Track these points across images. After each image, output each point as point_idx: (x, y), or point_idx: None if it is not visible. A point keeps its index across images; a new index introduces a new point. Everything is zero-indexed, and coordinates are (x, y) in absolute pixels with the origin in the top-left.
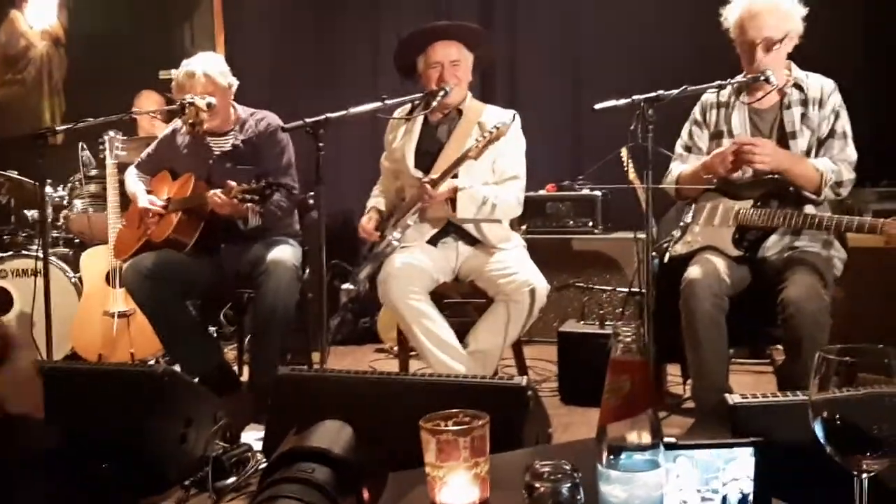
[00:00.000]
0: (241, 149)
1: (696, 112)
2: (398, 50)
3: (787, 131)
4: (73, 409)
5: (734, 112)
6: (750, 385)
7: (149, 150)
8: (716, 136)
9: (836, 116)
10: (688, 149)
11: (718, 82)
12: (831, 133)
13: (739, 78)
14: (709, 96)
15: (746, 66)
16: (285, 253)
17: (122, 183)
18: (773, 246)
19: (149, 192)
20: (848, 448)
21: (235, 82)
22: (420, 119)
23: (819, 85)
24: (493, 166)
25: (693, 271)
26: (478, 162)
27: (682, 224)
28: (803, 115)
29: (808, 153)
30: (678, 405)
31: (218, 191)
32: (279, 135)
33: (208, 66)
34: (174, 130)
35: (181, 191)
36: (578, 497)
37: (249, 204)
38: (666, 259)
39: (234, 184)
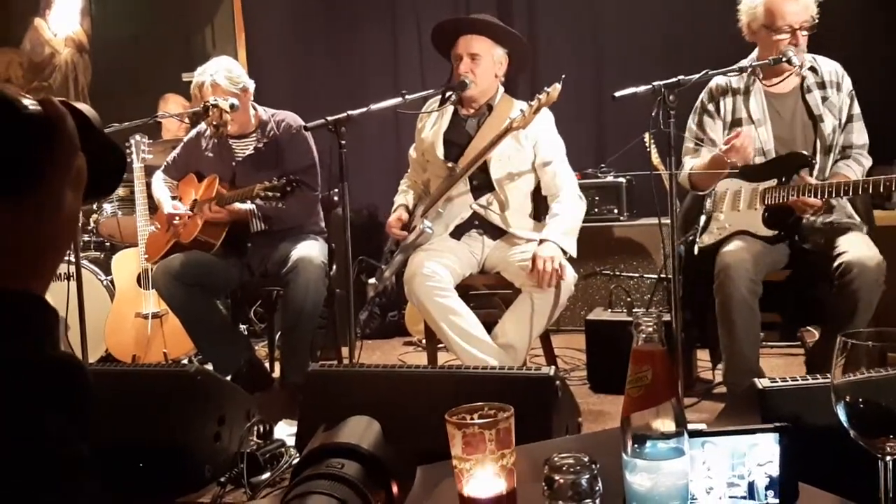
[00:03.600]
0: (264, 151)
1: (706, 101)
2: (432, 39)
3: (814, 114)
4: (109, 410)
5: (752, 98)
6: (780, 368)
7: (174, 153)
8: (735, 124)
9: (852, 99)
10: (700, 140)
11: (739, 65)
12: (850, 118)
13: (757, 60)
14: (718, 84)
15: (773, 51)
16: (312, 250)
17: (149, 186)
18: (808, 225)
19: (174, 197)
20: (871, 431)
21: (251, 84)
22: (450, 111)
23: (832, 68)
24: (535, 150)
25: (728, 256)
26: (517, 151)
27: (704, 214)
28: (824, 99)
29: (832, 135)
30: (708, 391)
31: (211, 202)
32: (302, 134)
33: (217, 75)
34: (199, 133)
35: (207, 193)
36: (597, 488)
37: (252, 207)
38: (695, 251)
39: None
